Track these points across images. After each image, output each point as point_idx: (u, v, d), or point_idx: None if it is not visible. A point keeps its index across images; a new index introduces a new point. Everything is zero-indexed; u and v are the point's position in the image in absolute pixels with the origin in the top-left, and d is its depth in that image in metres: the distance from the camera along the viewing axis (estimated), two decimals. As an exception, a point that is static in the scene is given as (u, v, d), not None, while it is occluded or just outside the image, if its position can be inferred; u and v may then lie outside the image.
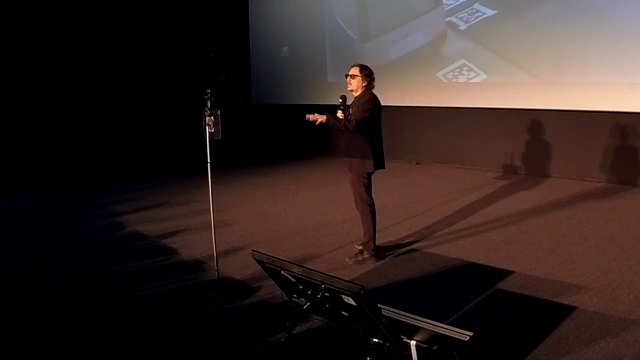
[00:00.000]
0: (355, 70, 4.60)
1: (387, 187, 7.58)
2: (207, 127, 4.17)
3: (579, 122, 7.40)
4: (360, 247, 4.82)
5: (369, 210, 4.66)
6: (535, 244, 4.93)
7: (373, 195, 4.73)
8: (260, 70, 12.00)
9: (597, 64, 6.97)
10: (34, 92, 9.87)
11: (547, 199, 6.52)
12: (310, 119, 4.49)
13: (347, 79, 4.63)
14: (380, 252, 4.82)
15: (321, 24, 10.55)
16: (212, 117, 4.15)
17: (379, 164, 4.62)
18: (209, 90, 4.16)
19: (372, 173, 4.65)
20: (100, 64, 10.50)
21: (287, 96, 11.19)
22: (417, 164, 9.22)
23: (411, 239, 5.26)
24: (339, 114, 4.56)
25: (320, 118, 4.46)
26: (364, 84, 4.57)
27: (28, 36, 9.80)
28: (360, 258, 4.68)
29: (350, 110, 4.58)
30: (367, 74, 4.58)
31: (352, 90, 4.64)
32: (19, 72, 9.73)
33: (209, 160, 4.26)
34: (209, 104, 4.16)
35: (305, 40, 10.78)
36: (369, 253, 4.70)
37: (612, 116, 7.03)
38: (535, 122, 7.83)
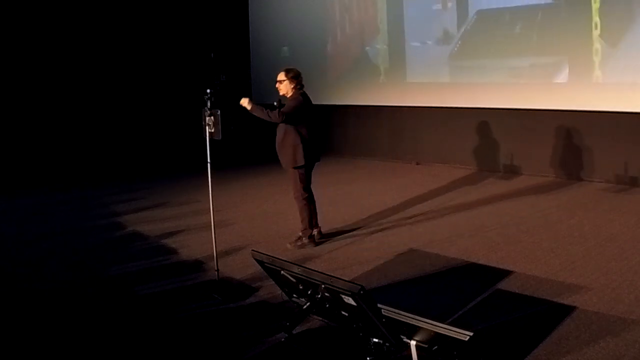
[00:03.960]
0: (281, 76, 5.03)
1: (387, 187, 7.58)
2: (207, 127, 4.18)
3: (578, 122, 7.40)
4: (300, 234, 5.20)
5: (304, 202, 5.11)
6: (535, 244, 4.93)
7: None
8: (260, 70, 11.99)
9: (600, 64, 6.96)
10: (34, 92, 9.87)
11: (547, 198, 6.52)
12: (241, 103, 4.89)
13: (277, 85, 5.05)
14: (322, 237, 5.23)
15: (321, 24, 10.55)
16: (212, 117, 4.16)
17: (311, 158, 5.03)
18: (209, 90, 4.17)
19: (304, 167, 5.01)
20: (100, 64, 10.50)
21: (287, 96, 11.17)
22: (417, 164, 9.21)
23: (411, 239, 5.26)
24: None
25: (248, 106, 4.86)
26: (292, 86, 5.00)
27: (28, 36, 9.80)
28: (299, 243, 5.14)
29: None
30: (292, 76, 5.02)
31: (284, 95, 5.05)
32: (19, 72, 9.73)
33: (209, 160, 4.27)
34: (209, 104, 4.16)
35: (305, 40, 10.78)
36: (307, 239, 5.15)
37: (611, 116, 7.02)
38: (535, 122, 7.82)
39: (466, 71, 8.43)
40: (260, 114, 4.88)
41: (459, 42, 8.40)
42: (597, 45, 6.96)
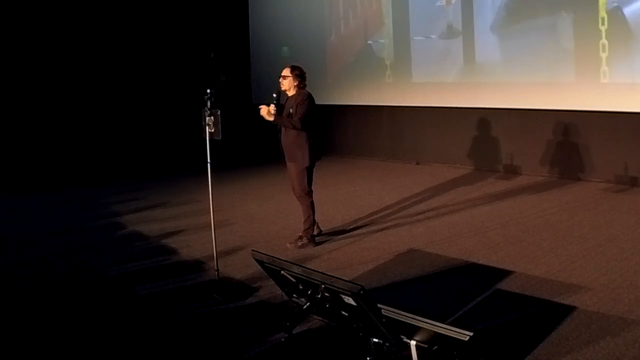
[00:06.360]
0: (286, 71, 5.04)
1: (387, 187, 7.58)
2: (207, 127, 4.18)
3: (578, 121, 7.40)
4: (300, 235, 5.19)
5: (310, 200, 5.13)
6: (535, 244, 4.93)
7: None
8: (260, 70, 11.99)
9: (601, 64, 6.95)
10: (34, 92, 9.87)
11: (547, 198, 6.52)
12: (262, 113, 4.96)
13: (280, 80, 5.05)
14: (322, 237, 5.25)
15: (321, 24, 10.55)
16: (212, 117, 4.16)
17: (318, 156, 5.13)
18: (209, 90, 4.17)
19: (312, 166, 5.08)
20: (100, 64, 10.49)
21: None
22: (417, 164, 9.22)
23: (411, 239, 5.26)
24: (272, 107, 4.95)
25: (269, 117, 4.92)
26: (295, 84, 5.01)
27: (28, 36, 9.80)
28: (300, 243, 5.12)
29: (291, 110, 4.99)
30: (298, 74, 5.02)
31: (285, 90, 5.08)
32: (19, 72, 9.72)
33: (209, 160, 4.27)
34: (209, 104, 4.17)
35: (305, 40, 10.78)
36: (308, 239, 5.14)
37: (611, 116, 7.02)
38: (535, 122, 7.82)
39: (466, 70, 8.44)
40: (283, 123, 4.97)
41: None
42: (600, 45, 6.96)
